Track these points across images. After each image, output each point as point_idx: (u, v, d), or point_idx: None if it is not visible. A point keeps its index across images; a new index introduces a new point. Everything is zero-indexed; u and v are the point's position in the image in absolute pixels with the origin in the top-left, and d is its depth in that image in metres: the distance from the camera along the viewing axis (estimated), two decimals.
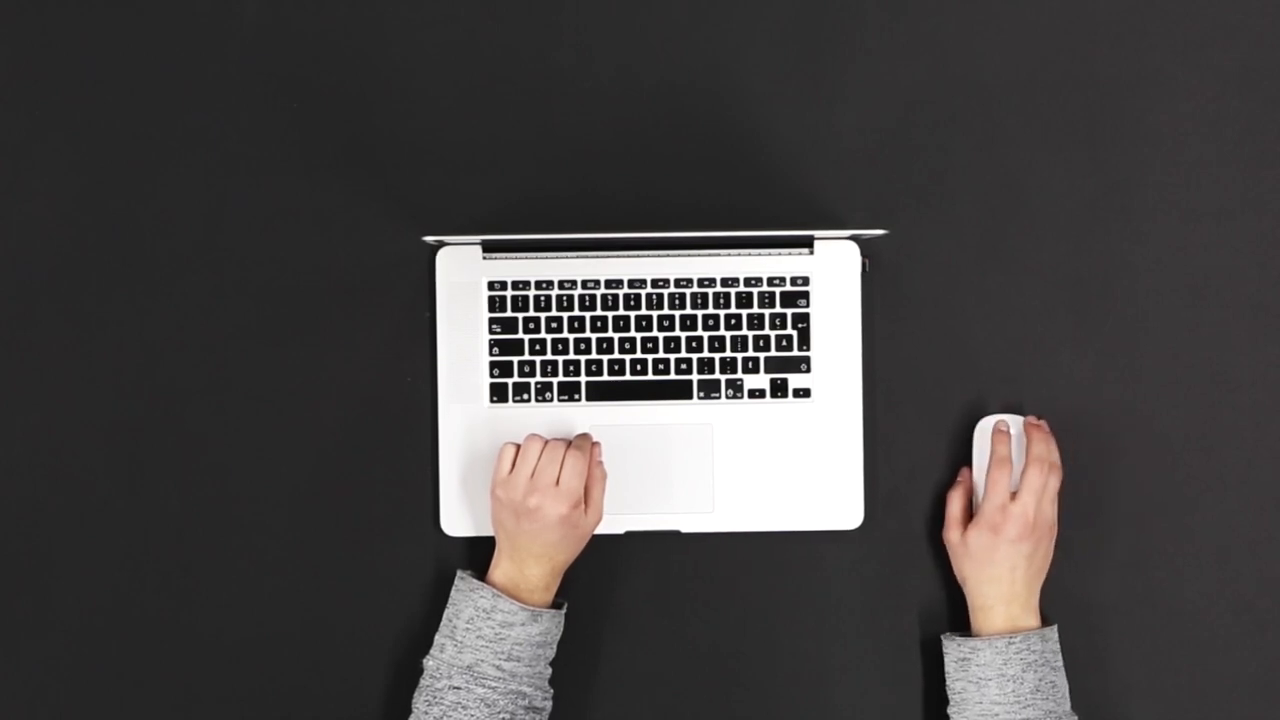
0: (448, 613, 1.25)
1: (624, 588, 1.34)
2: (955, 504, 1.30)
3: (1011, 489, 1.26)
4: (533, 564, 1.25)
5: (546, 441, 1.25)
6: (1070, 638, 1.34)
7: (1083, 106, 1.35)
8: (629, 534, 1.33)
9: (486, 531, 1.32)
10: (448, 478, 1.33)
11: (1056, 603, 1.34)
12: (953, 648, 1.26)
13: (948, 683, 1.26)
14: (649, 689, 1.34)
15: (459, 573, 1.27)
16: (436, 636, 1.25)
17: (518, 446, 1.26)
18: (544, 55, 1.36)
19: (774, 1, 1.36)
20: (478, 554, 1.32)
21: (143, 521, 1.34)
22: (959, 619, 1.34)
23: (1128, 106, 1.35)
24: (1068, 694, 1.26)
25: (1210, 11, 1.36)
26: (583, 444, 1.27)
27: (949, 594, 1.34)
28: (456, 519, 1.33)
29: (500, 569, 1.26)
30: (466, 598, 1.24)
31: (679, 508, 1.34)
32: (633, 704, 1.35)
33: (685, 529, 1.34)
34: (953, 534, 1.29)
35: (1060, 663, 1.26)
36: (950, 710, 1.26)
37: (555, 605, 1.27)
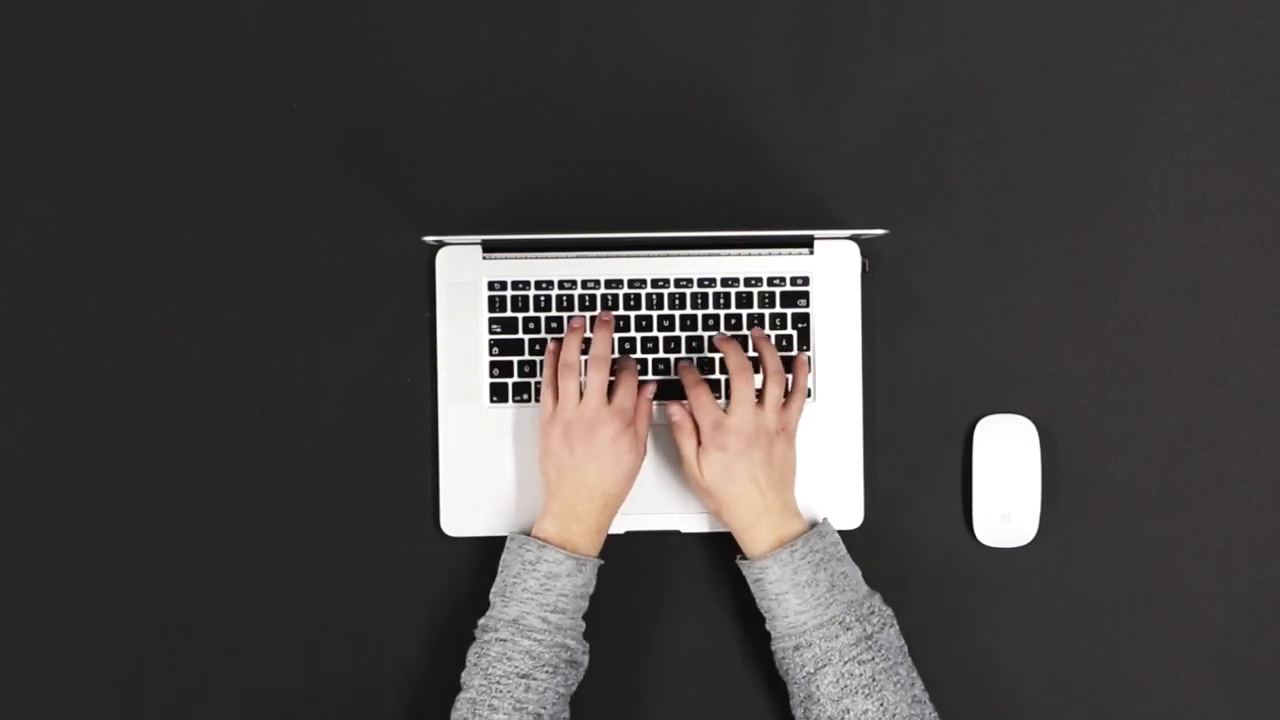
0: (499, 574, 1.26)
1: (624, 588, 1.34)
2: (689, 446, 1.28)
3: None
4: (585, 499, 1.25)
5: (585, 369, 1.26)
6: (1071, 637, 1.34)
7: (1083, 106, 1.35)
8: (629, 534, 1.33)
9: (486, 532, 1.32)
10: (448, 478, 1.33)
11: (1057, 602, 1.34)
12: (746, 570, 1.26)
13: (757, 603, 1.27)
14: (649, 688, 1.34)
15: (509, 534, 1.27)
16: (490, 595, 1.26)
17: (555, 385, 1.27)
18: (544, 55, 1.36)
19: (774, 1, 1.36)
20: (477, 554, 1.32)
21: (143, 521, 1.34)
22: (959, 618, 1.34)
23: (1128, 106, 1.36)
24: (861, 578, 1.26)
25: (1210, 11, 1.36)
26: (628, 364, 1.28)
27: (948, 594, 1.34)
28: (456, 519, 1.33)
29: (548, 518, 1.26)
30: (514, 555, 1.25)
31: (679, 508, 1.34)
32: (632, 703, 1.34)
33: (685, 529, 1.34)
34: (693, 472, 1.28)
35: (844, 552, 1.26)
36: (767, 627, 1.26)
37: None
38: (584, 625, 1.26)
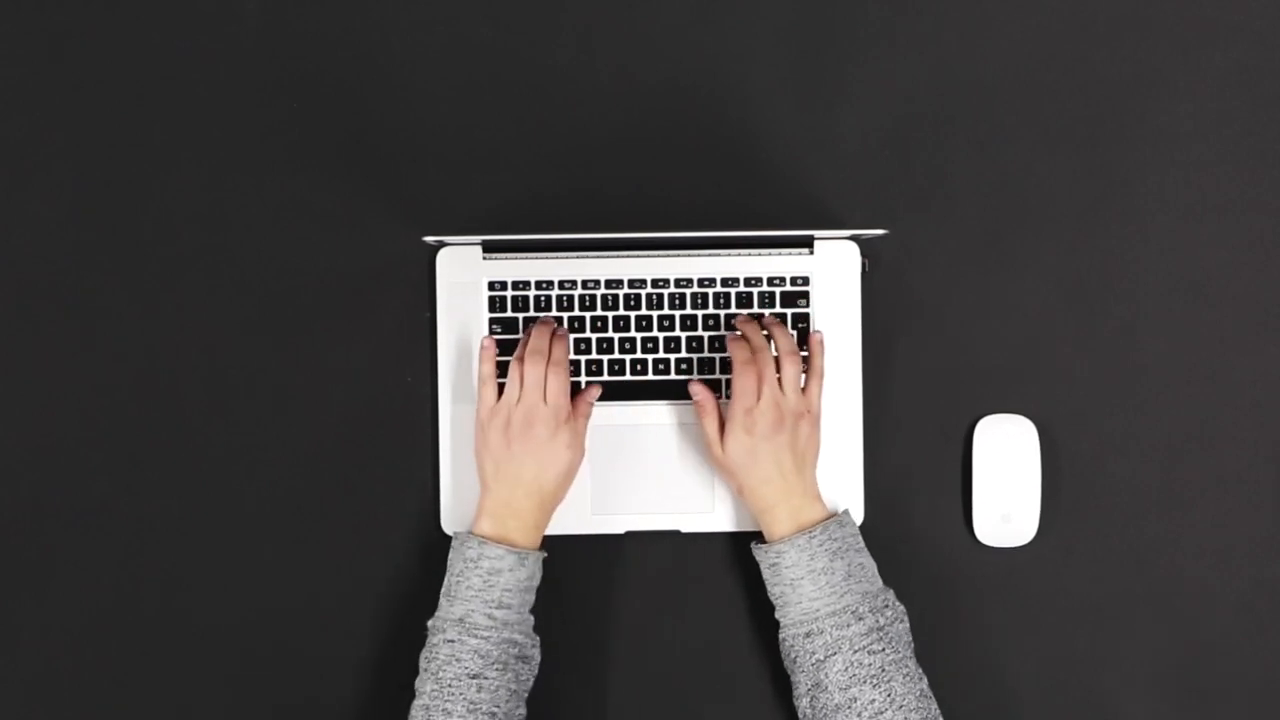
0: (446, 573, 1.26)
1: (624, 588, 1.34)
2: (711, 425, 1.29)
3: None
4: (521, 495, 1.25)
5: (524, 364, 1.26)
6: (1070, 638, 1.34)
7: (1083, 106, 1.35)
8: (629, 534, 1.34)
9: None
10: (448, 478, 1.33)
11: (1056, 603, 1.34)
12: (761, 555, 1.26)
13: (768, 589, 1.26)
14: (649, 689, 1.35)
15: (454, 532, 1.27)
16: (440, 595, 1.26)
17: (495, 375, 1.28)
18: (544, 55, 1.36)
19: (774, 1, 1.36)
20: None
21: (143, 521, 1.34)
22: (959, 618, 1.34)
23: (1128, 106, 1.36)
24: (877, 573, 1.26)
25: (1210, 11, 1.36)
26: (560, 357, 1.27)
27: (948, 594, 1.34)
28: (457, 519, 1.33)
29: (485, 516, 1.26)
30: (457, 552, 1.25)
31: (679, 508, 1.34)
32: (633, 704, 1.35)
33: (685, 529, 1.34)
34: (714, 451, 1.28)
35: (862, 544, 1.26)
36: (777, 615, 1.26)
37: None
38: (532, 619, 1.25)
